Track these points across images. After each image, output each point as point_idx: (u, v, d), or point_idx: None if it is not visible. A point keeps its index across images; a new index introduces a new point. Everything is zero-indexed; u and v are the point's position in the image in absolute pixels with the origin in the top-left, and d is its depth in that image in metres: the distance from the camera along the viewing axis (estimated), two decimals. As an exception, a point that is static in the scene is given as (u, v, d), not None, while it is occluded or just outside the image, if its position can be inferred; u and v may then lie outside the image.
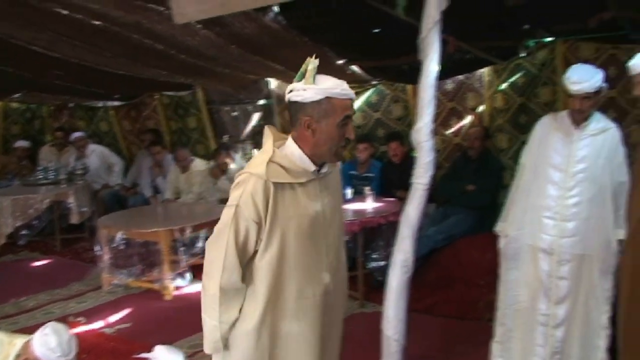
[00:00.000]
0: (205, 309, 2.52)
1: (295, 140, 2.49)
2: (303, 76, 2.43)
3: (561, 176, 3.79)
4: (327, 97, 2.39)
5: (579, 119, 3.77)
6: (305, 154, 2.47)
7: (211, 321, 2.51)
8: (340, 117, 2.41)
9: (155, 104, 9.25)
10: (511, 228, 4.00)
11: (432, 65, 3.64)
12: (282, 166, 2.43)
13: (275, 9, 4.73)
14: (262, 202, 2.38)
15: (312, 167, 2.49)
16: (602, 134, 3.76)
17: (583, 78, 3.63)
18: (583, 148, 3.76)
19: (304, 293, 2.53)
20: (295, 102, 2.43)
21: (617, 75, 5.71)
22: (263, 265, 2.47)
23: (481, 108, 6.76)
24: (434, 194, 6.36)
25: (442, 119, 7.04)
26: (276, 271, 2.47)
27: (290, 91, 2.45)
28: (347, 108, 2.44)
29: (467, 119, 6.93)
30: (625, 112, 5.75)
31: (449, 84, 6.91)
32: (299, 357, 2.59)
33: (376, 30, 5.27)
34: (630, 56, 5.54)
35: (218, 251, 2.44)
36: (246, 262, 2.48)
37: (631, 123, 5.73)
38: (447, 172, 6.72)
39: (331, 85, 2.41)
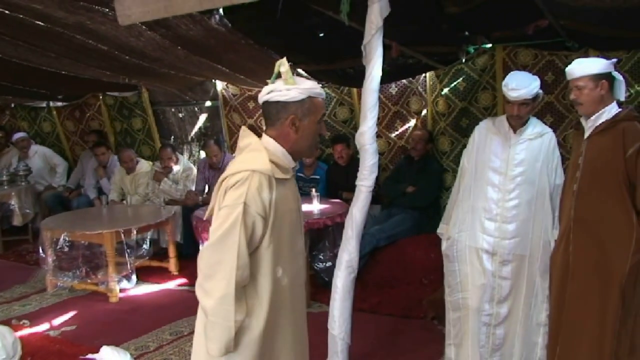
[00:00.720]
0: (216, 312, 2.42)
1: (275, 139, 2.55)
2: (277, 77, 2.53)
3: (501, 179, 3.91)
4: (309, 97, 2.51)
5: (517, 124, 3.89)
6: (287, 151, 2.56)
7: (225, 322, 2.42)
8: (320, 114, 2.57)
9: (100, 105, 9.15)
10: (453, 230, 4.08)
11: (375, 70, 3.74)
12: (275, 163, 2.50)
13: (221, 11, 4.76)
14: (268, 196, 2.44)
15: (293, 164, 2.61)
16: (539, 138, 3.90)
17: (521, 85, 3.74)
18: (521, 152, 3.88)
19: (294, 283, 2.63)
20: (278, 102, 2.50)
21: (554, 80, 5.94)
22: (266, 259, 2.50)
23: (424, 112, 6.90)
24: (379, 195, 6.55)
25: (387, 122, 7.17)
26: (275, 264, 2.53)
27: (270, 92, 2.52)
28: (324, 107, 2.63)
29: (411, 122, 7.07)
30: (563, 116, 5.96)
31: (393, 88, 7.05)
32: (294, 346, 2.67)
33: (321, 35, 5.32)
34: (567, 62, 5.79)
35: (226, 252, 2.40)
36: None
37: (568, 127, 5.94)
38: (390, 174, 6.87)
39: (311, 86, 2.54)
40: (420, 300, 5.55)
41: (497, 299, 3.97)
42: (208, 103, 8.42)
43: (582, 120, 3.50)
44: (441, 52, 6.03)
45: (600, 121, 3.39)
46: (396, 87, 7.04)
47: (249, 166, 2.45)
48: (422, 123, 6.92)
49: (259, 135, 2.60)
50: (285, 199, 2.54)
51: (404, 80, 6.94)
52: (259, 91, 2.71)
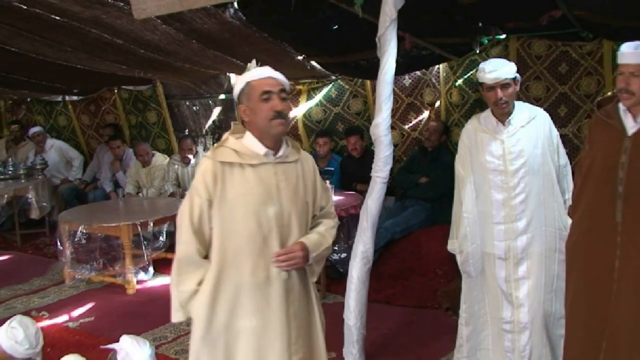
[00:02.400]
0: (171, 281, 2.81)
1: (247, 129, 2.76)
2: None
3: (502, 178, 3.62)
4: (246, 83, 2.72)
5: (504, 112, 3.61)
6: (256, 137, 2.72)
7: (173, 291, 2.78)
8: (259, 92, 2.66)
9: (115, 99, 9.21)
10: (464, 244, 3.77)
11: (389, 62, 3.76)
12: (234, 150, 2.69)
13: (235, 5, 4.78)
14: (211, 180, 2.65)
15: (263, 150, 2.71)
16: (531, 122, 3.63)
17: (497, 66, 3.53)
18: (517, 143, 3.60)
19: (258, 268, 2.70)
20: (233, 100, 2.78)
21: (567, 71, 5.93)
22: (214, 240, 2.71)
23: (438, 103, 6.91)
24: (393, 187, 6.57)
25: (400, 114, 7.18)
26: (226, 245, 2.69)
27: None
28: (264, 85, 2.68)
29: (425, 114, 7.08)
30: (577, 107, 5.95)
31: (407, 80, 7.06)
32: (263, 334, 2.73)
33: (335, 27, 5.34)
34: (581, 53, 5.82)
35: (178, 229, 2.74)
36: (208, 239, 2.74)
37: (583, 117, 5.94)
38: (404, 165, 6.88)
39: (250, 74, 2.74)
40: (434, 291, 5.57)
41: (516, 303, 3.69)
42: (222, 96, 8.46)
43: (620, 113, 3.01)
44: (454, 43, 6.03)
45: None
46: (409, 78, 7.05)
47: (206, 155, 2.73)
48: (436, 114, 6.92)
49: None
50: (242, 184, 2.67)
51: (417, 72, 6.95)
52: None
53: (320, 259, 2.87)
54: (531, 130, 3.61)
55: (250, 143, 2.72)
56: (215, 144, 2.81)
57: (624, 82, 2.90)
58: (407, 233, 6.25)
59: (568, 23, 5.27)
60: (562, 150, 3.70)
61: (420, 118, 7.12)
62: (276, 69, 2.86)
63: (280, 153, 2.76)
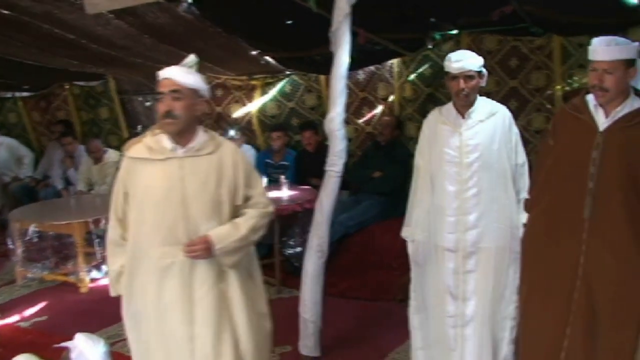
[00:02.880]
0: None
1: None
2: None
3: (457, 169, 3.59)
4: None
5: (464, 104, 3.58)
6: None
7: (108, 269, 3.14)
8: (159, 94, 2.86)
9: (66, 95, 9.06)
10: (417, 232, 3.79)
11: (343, 57, 3.79)
12: (148, 146, 2.89)
13: (189, -1, 4.78)
14: (125, 174, 2.95)
15: (170, 145, 2.87)
16: (491, 117, 3.59)
17: (464, 56, 3.52)
18: (474, 136, 3.56)
19: (164, 256, 2.86)
20: None
21: (518, 66, 6.05)
22: (129, 228, 2.96)
23: (391, 98, 6.97)
24: (347, 181, 6.61)
25: (354, 109, 7.22)
26: (136, 233, 2.92)
27: None
28: (160, 86, 2.85)
29: (379, 109, 7.13)
30: (526, 100, 6.07)
31: (361, 75, 7.10)
32: (167, 316, 2.92)
33: (290, 22, 5.35)
34: (531, 48, 5.94)
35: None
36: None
37: (532, 111, 6.07)
38: (358, 160, 6.91)
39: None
40: (389, 283, 5.61)
41: (461, 297, 3.66)
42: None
43: (592, 108, 2.99)
44: (408, 39, 6.10)
45: (622, 113, 2.92)
46: (363, 73, 7.09)
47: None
48: (390, 109, 6.98)
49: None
50: (150, 177, 2.87)
51: (371, 67, 7.00)
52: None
53: (233, 250, 2.90)
54: (489, 126, 3.58)
55: (161, 139, 2.89)
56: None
57: (597, 79, 2.87)
58: (361, 227, 6.27)
59: (519, 18, 5.37)
60: (521, 149, 3.66)
61: (374, 113, 7.17)
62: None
63: (190, 147, 2.89)
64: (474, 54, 3.58)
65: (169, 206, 2.83)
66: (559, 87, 5.99)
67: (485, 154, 3.54)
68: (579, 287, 2.96)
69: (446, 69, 3.59)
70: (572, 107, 3.09)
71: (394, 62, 6.81)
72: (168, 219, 2.84)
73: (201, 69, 7.00)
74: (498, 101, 3.78)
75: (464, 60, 3.49)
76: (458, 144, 3.59)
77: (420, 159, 3.82)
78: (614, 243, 2.90)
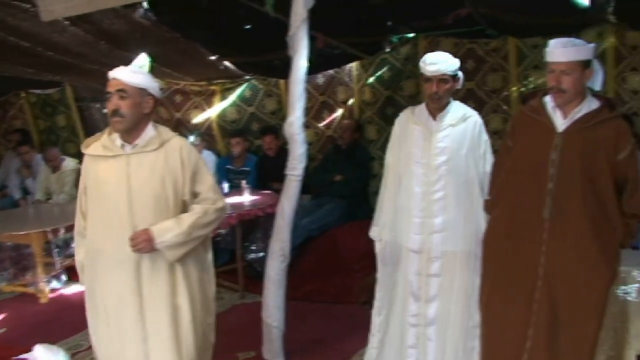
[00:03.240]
0: None
1: None
2: None
3: (424, 171, 3.58)
4: None
5: (437, 106, 3.56)
6: None
7: None
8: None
9: (22, 103, 8.89)
10: (385, 232, 3.77)
11: (301, 61, 3.80)
12: (102, 144, 3.00)
13: (145, 5, 4.74)
14: (84, 170, 3.10)
15: (119, 143, 2.97)
16: (462, 123, 3.56)
17: (439, 59, 3.47)
18: (443, 140, 3.55)
19: (114, 250, 2.96)
20: None
21: (474, 68, 6.12)
22: (87, 221, 3.10)
23: (351, 101, 7.00)
24: (309, 185, 6.62)
25: (315, 112, 7.22)
26: (91, 226, 3.05)
27: None
28: (108, 86, 2.94)
29: (338, 112, 7.15)
30: (483, 102, 6.15)
31: (320, 78, 7.10)
32: (119, 309, 3.01)
33: (247, 27, 5.35)
34: (486, 50, 6.02)
35: None
36: None
37: (489, 112, 6.15)
38: (319, 164, 6.93)
39: None
40: (351, 286, 5.62)
41: (424, 298, 3.63)
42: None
43: (550, 110, 3.02)
44: (366, 42, 6.15)
45: (580, 115, 2.94)
46: (323, 77, 7.09)
47: None
48: (350, 112, 7.00)
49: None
50: (102, 173, 2.99)
51: (330, 71, 7.01)
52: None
53: (175, 244, 2.94)
54: (460, 131, 3.56)
55: (115, 137, 2.98)
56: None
57: (555, 81, 2.89)
58: (323, 230, 6.28)
59: (474, 21, 5.45)
60: (490, 157, 3.60)
61: (334, 116, 7.18)
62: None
63: (135, 143, 2.98)
64: (450, 56, 3.55)
65: (116, 201, 2.93)
66: (515, 88, 6.08)
67: (453, 158, 3.53)
68: (540, 287, 2.99)
69: (421, 70, 3.56)
70: (530, 108, 3.11)
71: (353, 65, 6.84)
72: (116, 214, 2.94)
73: (159, 74, 7.01)
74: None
75: (439, 64, 3.46)
76: (427, 145, 3.59)
77: (391, 158, 3.81)
78: (574, 243, 2.94)
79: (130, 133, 2.95)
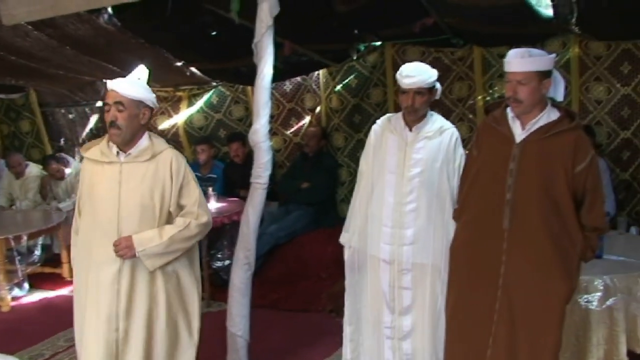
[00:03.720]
0: None
1: None
2: None
3: (397, 181, 3.54)
4: None
5: (413, 118, 3.53)
6: None
7: None
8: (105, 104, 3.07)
9: (-16, 108, 8.77)
10: (354, 239, 3.75)
11: (266, 68, 3.77)
12: (100, 149, 3.13)
13: (109, 10, 4.69)
14: (83, 171, 3.23)
15: (115, 150, 3.10)
16: (438, 136, 3.53)
17: (416, 72, 3.44)
18: (418, 151, 3.52)
19: (100, 251, 3.07)
20: None
21: (440, 76, 5.97)
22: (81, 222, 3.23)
23: (318, 108, 7.00)
24: (276, 192, 6.61)
25: (282, 120, 7.22)
26: (83, 226, 3.19)
27: None
28: (106, 97, 3.05)
29: (306, 119, 7.15)
30: (450, 111, 6.19)
31: (288, 86, 7.11)
32: (98, 305, 3.11)
33: (214, 33, 5.31)
34: (452, 59, 6.06)
35: None
36: None
37: (455, 121, 6.17)
38: (286, 171, 6.94)
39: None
40: (319, 294, 5.61)
41: (398, 310, 3.61)
42: (99, 103, 8.18)
43: (509, 119, 3.03)
44: (333, 50, 6.15)
45: (538, 125, 2.95)
46: (290, 84, 7.10)
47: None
48: (317, 119, 7.01)
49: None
50: (95, 178, 3.11)
51: (297, 78, 7.01)
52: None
53: (154, 254, 3.06)
54: (435, 144, 3.52)
55: (111, 144, 3.11)
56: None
57: (512, 91, 2.90)
58: (291, 238, 6.28)
59: (440, 30, 5.48)
60: None
61: (301, 123, 7.18)
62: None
63: (129, 153, 3.10)
64: (428, 68, 3.53)
65: (106, 206, 3.05)
66: (480, 97, 6.13)
67: (427, 170, 3.50)
68: (500, 297, 3.00)
69: (398, 82, 3.53)
70: (492, 118, 3.12)
71: (321, 73, 6.85)
72: (105, 217, 3.06)
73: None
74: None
75: (416, 77, 3.42)
76: (402, 156, 3.55)
77: (364, 165, 3.78)
78: (532, 254, 2.94)
79: (126, 143, 3.07)
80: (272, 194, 6.88)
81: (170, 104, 7.60)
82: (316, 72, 6.87)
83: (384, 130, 3.68)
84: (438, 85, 3.59)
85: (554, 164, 2.89)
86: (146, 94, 3.10)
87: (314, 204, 6.43)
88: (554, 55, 3.01)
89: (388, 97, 6.43)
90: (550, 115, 2.95)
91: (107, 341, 3.10)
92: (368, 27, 5.62)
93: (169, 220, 3.14)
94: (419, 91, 3.44)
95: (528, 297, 2.95)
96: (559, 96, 2.99)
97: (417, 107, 3.46)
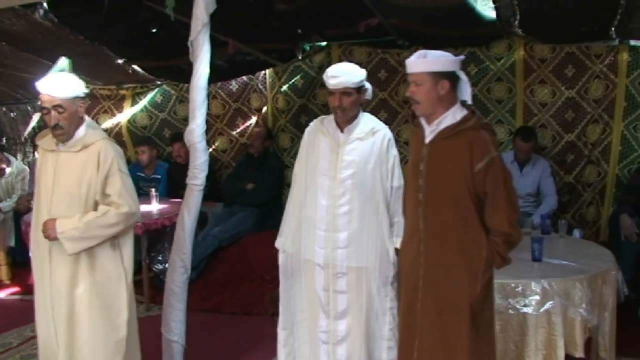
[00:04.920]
0: None
1: None
2: None
3: (330, 183, 3.49)
4: None
5: (343, 119, 3.48)
6: None
7: None
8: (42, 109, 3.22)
9: None
10: (288, 244, 3.69)
11: (202, 67, 3.69)
12: (48, 139, 3.30)
13: (45, 5, 4.56)
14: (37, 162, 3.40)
15: (54, 140, 3.25)
16: (370, 137, 3.50)
17: (341, 72, 3.41)
18: (350, 153, 3.48)
19: (37, 234, 3.27)
20: None
21: (387, 78, 6.15)
22: None
23: (265, 109, 6.93)
24: (221, 193, 6.53)
25: (228, 119, 7.15)
26: (34, 215, 3.36)
27: None
28: (42, 101, 3.17)
29: (252, 119, 7.07)
30: (396, 112, 6.18)
31: (234, 85, 7.04)
32: (42, 294, 3.33)
33: (154, 30, 5.19)
34: (399, 60, 6.04)
35: None
36: None
37: (401, 122, 6.17)
38: (231, 172, 6.85)
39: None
40: (262, 296, 5.53)
41: (333, 315, 3.57)
42: (42, 101, 7.99)
43: (422, 121, 3.02)
44: (279, 49, 6.07)
45: (443, 126, 2.92)
46: (236, 84, 7.03)
47: None
48: (263, 120, 6.94)
49: None
50: (41, 164, 3.32)
51: (244, 77, 6.95)
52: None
53: (72, 238, 3.17)
54: (367, 145, 3.49)
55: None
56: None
57: (411, 91, 2.92)
58: (235, 239, 6.21)
59: (385, 31, 5.44)
60: (398, 172, 3.55)
61: (248, 124, 7.11)
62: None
63: (67, 143, 3.24)
64: (354, 67, 3.49)
65: (44, 193, 3.25)
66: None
67: (359, 172, 3.47)
68: (421, 299, 2.99)
69: (325, 83, 3.51)
70: (415, 121, 3.12)
71: (267, 72, 6.78)
72: (44, 202, 3.25)
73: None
74: (368, 112, 3.70)
75: (341, 77, 3.39)
76: (334, 158, 3.51)
77: (298, 168, 3.73)
78: (442, 255, 2.95)
79: (70, 136, 3.25)
80: (217, 195, 6.83)
81: (113, 103, 7.44)
82: (262, 72, 6.81)
83: (317, 133, 3.64)
84: (368, 85, 3.55)
85: (455, 164, 2.88)
86: (78, 88, 3.22)
87: (259, 205, 6.35)
88: (452, 56, 2.96)
89: (335, 97, 6.39)
90: (455, 115, 2.93)
91: (45, 318, 3.32)
92: (311, 26, 5.55)
93: (97, 208, 3.27)
94: (345, 91, 3.40)
95: (441, 299, 2.95)
96: (466, 96, 2.97)
97: (345, 107, 3.42)
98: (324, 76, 3.49)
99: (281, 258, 3.75)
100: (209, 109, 7.13)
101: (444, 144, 2.91)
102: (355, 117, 3.52)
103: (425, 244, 2.97)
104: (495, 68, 5.95)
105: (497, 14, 4.52)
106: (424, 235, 2.98)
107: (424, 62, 2.86)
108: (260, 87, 6.90)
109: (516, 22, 4.61)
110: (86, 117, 3.34)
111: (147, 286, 5.64)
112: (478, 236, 2.88)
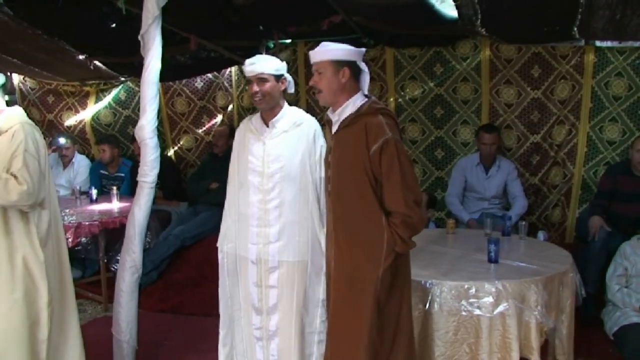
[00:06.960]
0: None
1: None
2: None
3: (260, 180, 3.53)
4: None
5: (263, 107, 3.50)
6: None
7: None
8: None
9: None
10: (225, 242, 3.74)
11: (153, 62, 3.63)
12: None
13: (-1, -1, 4.45)
14: None
15: None
16: (296, 129, 3.51)
17: (257, 59, 3.45)
18: (276, 146, 3.50)
19: None
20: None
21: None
22: None
23: (230, 107, 6.85)
24: (186, 192, 6.43)
25: (193, 118, 7.06)
26: None
27: None
28: None
29: (218, 118, 7.00)
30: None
31: (199, 83, 6.96)
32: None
33: (113, 25, 5.08)
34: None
35: None
36: None
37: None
38: (195, 171, 6.77)
39: None
40: (222, 297, 5.47)
41: (265, 310, 3.60)
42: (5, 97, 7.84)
43: (329, 114, 3.13)
44: (243, 47, 5.98)
45: (345, 114, 3.01)
46: (202, 81, 6.95)
47: None
48: (229, 118, 6.86)
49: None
50: None
51: (209, 75, 6.86)
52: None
53: None
54: (294, 137, 3.50)
55: None
56: None
57: (313, 80, 3.05)
58: (198, 239, 6.11)
59: (349, 29, 5.38)
60: None
61: (213, 122, 7.04)
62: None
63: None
64: (273, 58, 3.52)
65: None
66: (392, 98, 6.08)
67: (287, 165, 3.48)
68: (333, 288, 3.12)
69: (245, 74, 3.55)
70: (326, 122, 3.22)
71: (232, 70, 6.70)
72: None
73: (28, 73, 6.61)
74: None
75: (257, 64, 3.42)
76: (262, 153, 3.53)
77: (231, 168, 3.76)
78: (346, 242, 3.04)
79: None
80: (182, 194, 6.73)
81: (77, 99, 7.31)
82: (228, 70, 6.72)
83: (245, 131, 3.68)
84: (289, 77, 3.57)
85: (355, 150, 2.95)
86: None
87: (223, 204, 6.24)
88: (357, 49, 3.09)
89: (300, 96, 6.33)
90: (356, 103, 3.02)
91: None
92: (272, 23, 5.46)
93: None
94: (261, 77, 3.42)
95: (348, 289, 3.02)
96: (365, 88, 3.07)
97: (263, 92, 3.42)
98: (243, 67, 3.53)
99: (220, 257, 3.78)
100: (173, 106, 7.11)
101: (344, 132, 3.00)
102: (279, 109, 3.55)
103: (335, 234, 3.06)
104: (461, 68, 5.92)
105: (459, 13, 4.46)
106: (333, 226, 3.07)
107: (326, 50, 3.01)
108: (226, 85, 6.82)
109: (478, 22, 4.55)
110: (11, 108, 3.47)
111: (105, 286, 5.53)
112: (379, 220, 2.94)
